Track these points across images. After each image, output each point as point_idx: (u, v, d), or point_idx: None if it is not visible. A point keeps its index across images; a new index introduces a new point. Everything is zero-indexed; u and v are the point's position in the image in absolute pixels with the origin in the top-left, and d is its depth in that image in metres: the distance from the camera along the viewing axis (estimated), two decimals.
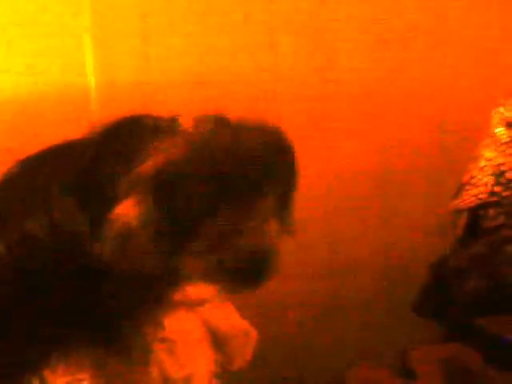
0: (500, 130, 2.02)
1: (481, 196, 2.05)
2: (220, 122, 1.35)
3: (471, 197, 2.07)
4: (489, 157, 2.04)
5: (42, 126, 2.12)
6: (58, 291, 1.30)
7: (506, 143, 2.01)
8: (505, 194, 2.02)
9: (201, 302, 1.58)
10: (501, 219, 2.07)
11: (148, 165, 1.25)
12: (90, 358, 1.36)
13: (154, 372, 1.43)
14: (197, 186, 1.25)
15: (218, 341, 1.62)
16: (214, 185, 1.25)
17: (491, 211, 2.06)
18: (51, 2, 2.15)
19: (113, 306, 1.31)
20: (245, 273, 1.34)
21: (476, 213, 2.09)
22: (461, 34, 2.31)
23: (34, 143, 1.41)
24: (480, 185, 2.05)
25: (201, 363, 1.52)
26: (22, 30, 2.14)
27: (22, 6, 2.13)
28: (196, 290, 1.48)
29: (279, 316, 2.36)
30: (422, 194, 2.41)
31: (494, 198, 2.04)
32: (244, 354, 1.67)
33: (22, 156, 1.40)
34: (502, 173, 2.01)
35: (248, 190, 1.29)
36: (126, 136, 1.34)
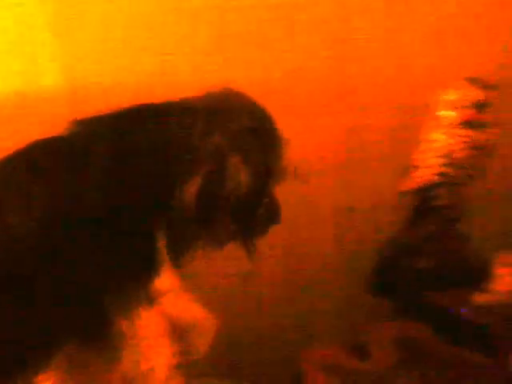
0: (446, 113, 2.07)
1: (430, 177, 2.11)
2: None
3: (420, 177, 2.13)
4: (436, 139, 2.09)
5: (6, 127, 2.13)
6: (48, 289, 1.32)
7: (452, 125, 2.07)
8: (453, 173, 2.09)
9: (159, 296, 1.62)
10: (450, 198, 2.13)
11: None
12: (63, 357, 1.39)
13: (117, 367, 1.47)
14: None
15: (180, 331, 1.66)
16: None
17: (440, 191, 2.12)
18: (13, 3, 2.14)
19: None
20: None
21: (424, 193, 2.15)
22: (410, 19, 2.35)
23: None
24: (429, 166, 2.10)
25: (160, 357, 1.56)
26: None
27: None
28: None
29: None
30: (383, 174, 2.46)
31: (443, 178, 2.10)
32: (205, 341, 1.71)
33: None
34: (450, 153, 2.07)
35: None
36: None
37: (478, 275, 2.16)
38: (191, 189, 1.37)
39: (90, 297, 1.34)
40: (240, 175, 1.40)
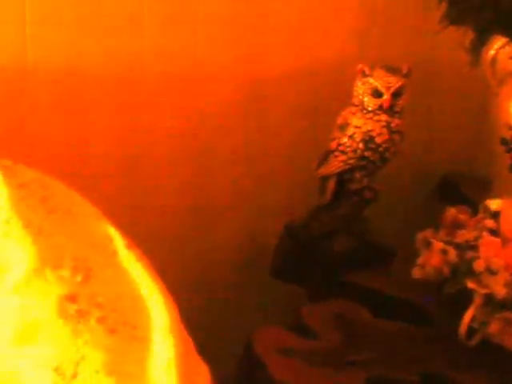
0: (367, 99, 2.17)
1: (350, 161, 2.20)
2: None
3: (340, 162, 2.21)
4: (357, 124, 2.18)
5: None
6: None
7: (373, 111, 2.17)
8: (373, 158, 2.19)
9: None
10: (365, 181, 2.24)
11: None
12: None
13: None
14: None
15: None
16: None
17: (357, 174, 2.22)
18: None
19: None
20: None
21: (341, 177, 2.24)
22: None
23: None
24: (349, 151, 2.19)
25: None
26: None
27: None
28: None
29: None
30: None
31: (363, 163, 2.20)
32: None
33: None
34: (372, 138, 2.17)
35: None
36: None
37: (386, 255, 2.29)
38: None
39: None
40: None
